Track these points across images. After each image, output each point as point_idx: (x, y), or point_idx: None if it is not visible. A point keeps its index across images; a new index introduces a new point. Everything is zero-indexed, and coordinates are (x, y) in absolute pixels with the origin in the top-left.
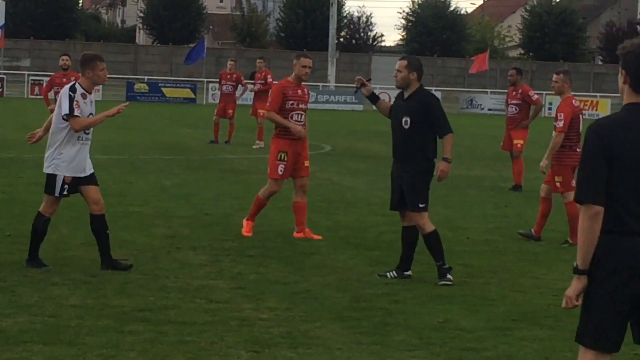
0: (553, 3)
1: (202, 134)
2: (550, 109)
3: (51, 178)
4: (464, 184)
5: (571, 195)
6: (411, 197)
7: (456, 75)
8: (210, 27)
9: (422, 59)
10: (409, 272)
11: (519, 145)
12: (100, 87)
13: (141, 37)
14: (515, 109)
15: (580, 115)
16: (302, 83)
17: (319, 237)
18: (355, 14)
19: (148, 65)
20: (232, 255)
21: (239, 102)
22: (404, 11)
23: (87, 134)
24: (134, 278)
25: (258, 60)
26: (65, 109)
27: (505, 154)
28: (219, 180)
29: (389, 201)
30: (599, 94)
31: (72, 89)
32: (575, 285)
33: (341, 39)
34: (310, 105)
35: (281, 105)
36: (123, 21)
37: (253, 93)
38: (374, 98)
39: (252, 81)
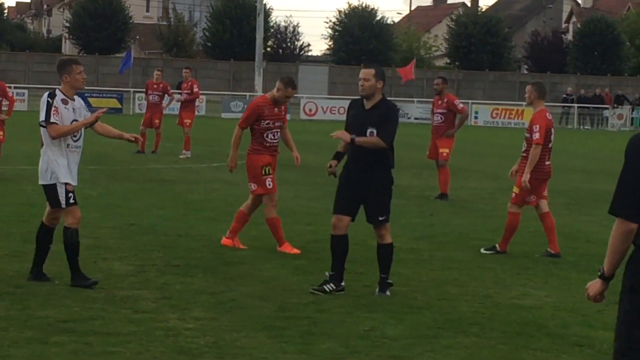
0: (479, 12)
1: (129, 144)
2: (476, 117)
3: (51, 188)
4: None
5: (515, 207)
6: (374, 209)
7: None
8: (137, 37)
9: (349, 68)
10: (342, 284)
11: (444, 154)
12: (25, 96)
13: (67, 47)
14: (441, 118)
15: (552, 129)
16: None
17: (244, 247)
18: (282, 23)
19: None
20: (158, 265)
21: (165, 112)
22: (330, 21)
23: (75, 141)
24: (59, 289)
25: (184, 70)
26: (42, 116)
27: (432, 163)
28: (146, 191)
29: (314, 210)
30: (524, 103)
31: (51, 95)
32: (598, 288)
33: (268, 49)
34: (237, 115)
35: (254, 124)
36: (49, 31)
37: (179, 103)
38: (339, 156)
39: (179, 91)
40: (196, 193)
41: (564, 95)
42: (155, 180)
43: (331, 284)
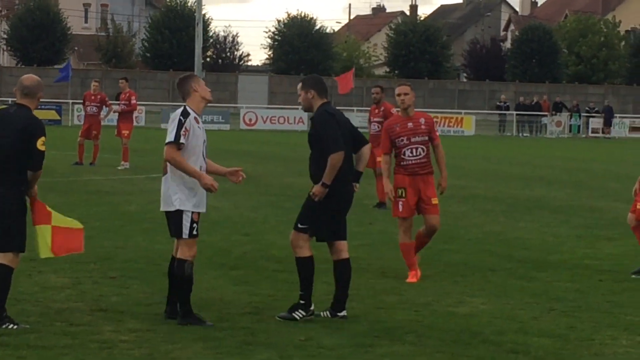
0: (418, 21)
1: (67, 156)
2: None
3: (177, 216)
4: None
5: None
6: (298, 215)
7: None
8: (76, 48)
9: (288, 78)
10: (343, 313)
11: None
12: None
13: (5, 59)
14: (378, 127)
15: None
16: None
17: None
18: (222, 33)
19: (12, 87)
20: (94, 277)
21: (104, 123)
22: (269, 30)
23: (205, 161)
24: None
25: (120, 81)
26: (171, 136)
27: (370, 172)
28: (84, 202)
29: (254, 220)
30: (463, 111)
31: (184, 114)
32: None
33: (207, 59)
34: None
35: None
36: None
37: (118, 114)
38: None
39: (117, 102)
40: (134, 204)
41: (498, 103)
42: (93, 191)
43: (327, 312)
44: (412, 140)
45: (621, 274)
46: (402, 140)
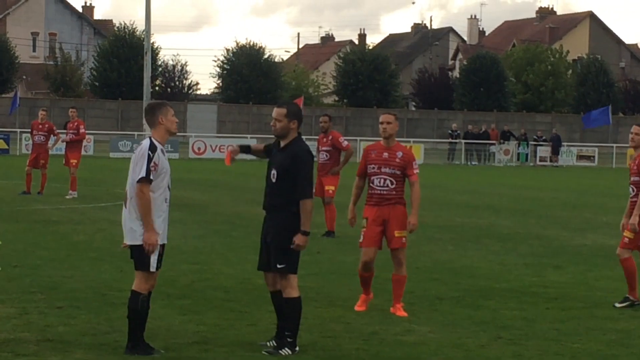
0: (366, 50)
1: (15, 185)
2: None
3: (141, 249)
4: None
5: (626, 252)
6: (274, 256)
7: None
8: (24, 77)
9: (237, 106)
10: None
11: (330, 192)
12: None
13: None
14: (326, 156)
15: None
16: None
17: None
18: (170, 62)
19: None
20: (41, 307)
21: (51, 152)
22: (218, 59)
23: (169, 191)
24: None
25: (71, 110)
26: (142, 172)
27: (318, 200)
28: (30, 231)
29: (202, 249)
30: (412, 140)
31: (152, 148)
32: None
33: (156, 88)
34: (126, 155)
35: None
36: None
37: (65, 143)
38: (246, 149)
39: (65, 131)
40: (81, 234)
41: (449, 131)
42: (40, 221)
43: (273, 341)
44: (382, 170)
45: (568, 301)
46: (373, 168)
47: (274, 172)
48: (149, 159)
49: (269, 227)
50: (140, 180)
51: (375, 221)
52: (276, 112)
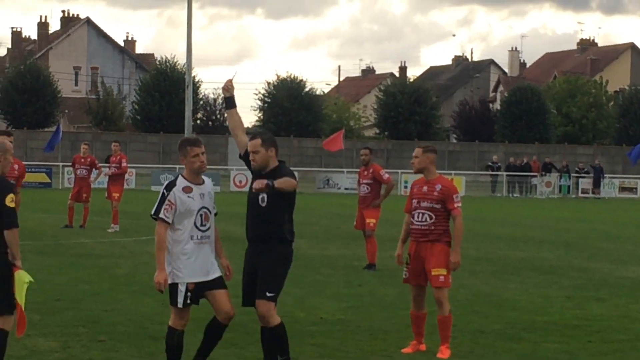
0: (407, 82)
1: (57, 219)
2: (406, 187)
3: (173, 287)
4: (318, 264)
5: None
6: (262, 283)
7: (313, 155)
8: (66, 111)
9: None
10: None
11: (371, 224)
12: None
13: None
14: (367, 189)
15: None
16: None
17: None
18: (211, 95)
19: None
20: (83, 340)
21: (94, 185)
22: (259, 92)
23: (204, 230)
24: None
25: (113, 144)
26: (154, 208)
27: (359, 233)
28: (73, 265)
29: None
30: (453, 172)
31: (168, 186)
32: None
33: (198, 121)
34: None
35: None
36: None
37: (108, 176)
38: (230, 102)
39: (107, 164)
40: (123, 267)
41: (489, 164)
42: (83, 254)
43: None
44: (421, 204)
45: (610, 334)
46: (414, 202)
47: (263, 196)
48: (162, 198)
49: (258, 258)
50: (153, 217)
51: (416, 258)
52: (251, 145)
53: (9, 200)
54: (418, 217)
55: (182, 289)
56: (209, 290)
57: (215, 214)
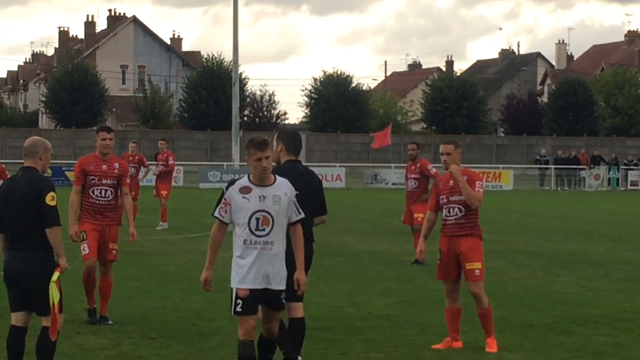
0: (454, 77)
1: None
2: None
3: (231, 292)
4: (367, 259)
5: None
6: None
7: (360, 150)
8: (113, 109)
9: (325, 135)
10: None
11: (419, 219)
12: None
13: (44, 121)
14: (415, 183)
15: None
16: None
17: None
18: (258, 92)
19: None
20: (134, 338)
21: (142, 183)
22: (306, 89)
23: (260, 235)
24: None
25: (160, 142)
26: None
27: (407, 228)
28: (122, 263)
29: None
30: (501, 166)
31: (230, 184)
32: None
33: (245, 118)
34: (215, 185)
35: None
36: (25, 106)
37: (155, 175)
38: None
39: (155, 162)
40: (172, 264)
41: (537, 157)
42: (132, 252)
43: None
44: (450, 199)
45: None
46: (443, 198)
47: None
48: (221, 195)
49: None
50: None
51: (448, 253)
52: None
53: (50, 199)
54: (449, 212)
55: (233, 295)
56: (264, 303)
57: (298, 221)
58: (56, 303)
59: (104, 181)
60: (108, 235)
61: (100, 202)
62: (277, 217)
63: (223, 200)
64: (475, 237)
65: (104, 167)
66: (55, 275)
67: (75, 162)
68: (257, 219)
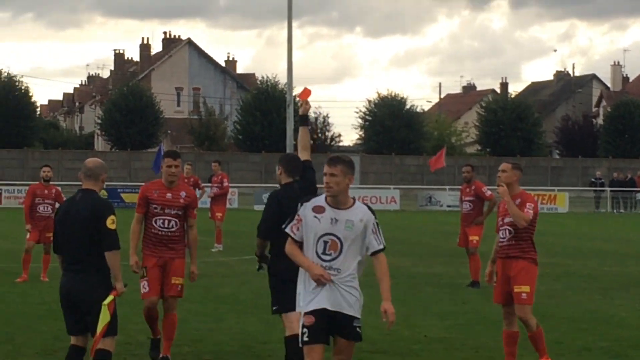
0: (508, 99)
1: None
2: None
3: None
4: (422, 282)
5: None
6: None
7: (414, 172)
8: (168, 131)
9: (380, 157)
10: None
11: (474, 242)
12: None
13: (99, 143)
14: (469, 206)
15: None
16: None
17: None
18: (312, 114)
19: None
20: (188, 359)
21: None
22: (360, 110)
23: (326, 260)
24: None
25: (213, 164)
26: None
27: (463, 251)
28: None
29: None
30: (556, 188)
31: (306, 199)
32: None
33: None
34: None
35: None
36: (81, 128)
37: (210, 197)
38: (304, 120)
39: (210, 184)
40: (227, 286)
41: (592, 179)
42: (187, 274)
43: None
44: (504, 220)
45: None
46: (499, 221)
47: None
48: (295, 211)
49: None
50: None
51: (502, 276)
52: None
53: (110, 222)
54: (501, 234)
55: (300, 321)
56: (335, 331)
57: (380, 251)
58: (103, 325)
59: (167, 211)
60: (171, 269)
61: (163, 233)
62: (347, 243)
63: (296, 217)
64: (527, 259)
65: (169, 195)
66: (109, 299)
67: (130, 184)
68: (325, 242)
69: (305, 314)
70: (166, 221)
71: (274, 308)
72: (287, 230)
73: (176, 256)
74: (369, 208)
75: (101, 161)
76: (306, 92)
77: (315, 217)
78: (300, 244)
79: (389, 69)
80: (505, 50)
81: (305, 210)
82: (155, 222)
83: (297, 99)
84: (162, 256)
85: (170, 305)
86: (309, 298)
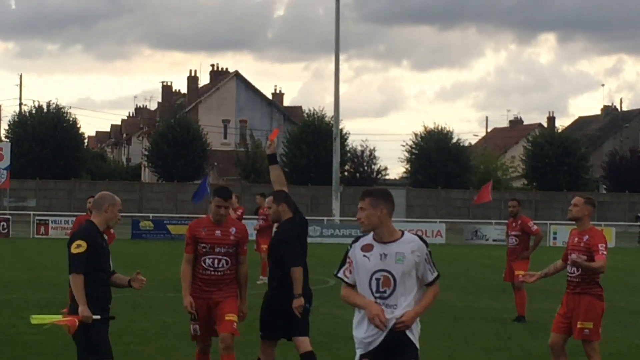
0: (555, 133)
1: None
2: (554, 238)
3: None
4: (466, 316)
5: None
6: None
7: (460, 206)
8: (215, 163)
9: (426, 191)
10: None
11: (520, 276)
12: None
13: (146, 175)
14: (515, 240)
15: None
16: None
17: None
18: (359, 148)
19: (153, 203)
20: None
21: None
22: (407, 144)
23: (382, 297)
24: None
25: (257, 197)
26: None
27: (508, 285)
28: None
29: None
30: (603, 223)
31: (355, 239)
32: None
33: (345, 173)
34: (315, 240)
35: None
36: (128, 159)
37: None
38: (272, 159)
39: (256, 217)
40: None
41: (638, 215)
42: None
43: None
44: (571, 255)
45: None
46: (570, 254)
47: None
48: (345, 253)
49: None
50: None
51: (564, 307)
52: (267, 200)
53: (74, 247)
54: (569, 269)
55: None
56: None
57: (435, 280)
58: (53, 320)
59: (217, 249)
60: (224, 306)
61: (213, 273)
62: (400, 277)
63: (347, 260)
64: (592, 295)
65: (217, 232)
66: (67, 318)
67: (176, 215)
68: (377, 280)
69: (362, 356)
70: (216, 260)
71: (261, 333)
72: (340, 275)
73: (228, 296)
74: (420, 238)
75: (109, 193)
76: (274, 133)
77: (364, 256)
78: (353, 287)
79: (436, 103)
80: (552, 84)
81: (355, 251)
82: (204, 262)
83: (268, 141)
84: (211, 298)
85: (227, 344)
86: (367, 342)
